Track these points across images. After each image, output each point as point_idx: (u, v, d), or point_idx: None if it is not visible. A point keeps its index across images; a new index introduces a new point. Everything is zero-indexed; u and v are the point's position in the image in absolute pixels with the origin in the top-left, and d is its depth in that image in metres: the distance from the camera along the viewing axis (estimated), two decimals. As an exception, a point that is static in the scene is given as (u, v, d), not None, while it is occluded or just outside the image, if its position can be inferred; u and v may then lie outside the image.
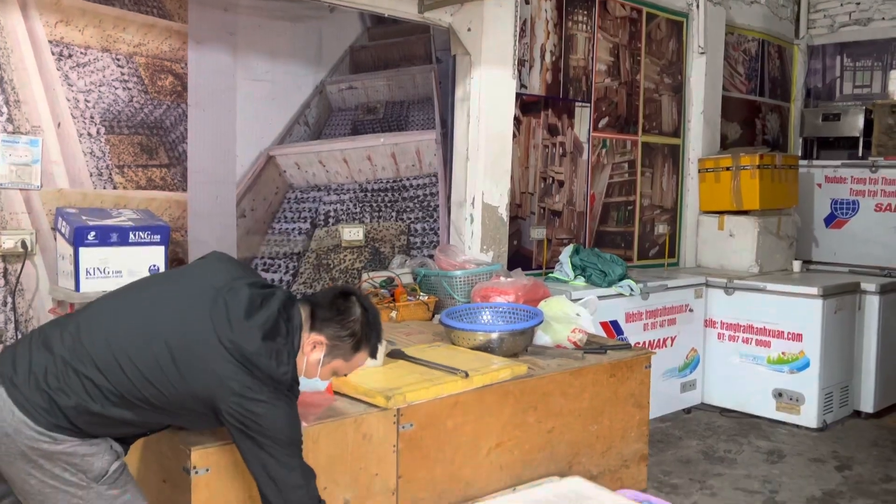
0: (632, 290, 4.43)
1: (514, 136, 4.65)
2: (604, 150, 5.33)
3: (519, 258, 4.85)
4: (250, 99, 3.50)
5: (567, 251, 4.57)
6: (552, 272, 4.66)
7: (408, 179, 4.11)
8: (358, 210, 3.92)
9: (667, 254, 5.80)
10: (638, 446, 3.23)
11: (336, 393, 2.42)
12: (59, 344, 1.81)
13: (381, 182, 4.00)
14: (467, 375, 2.54)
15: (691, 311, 4.93)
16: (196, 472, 1.97)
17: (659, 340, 4.72)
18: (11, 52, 2.86)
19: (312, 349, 1.99)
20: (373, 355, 2.12)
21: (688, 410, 4.98)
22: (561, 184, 5.09)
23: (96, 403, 1.76)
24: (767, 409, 4.78)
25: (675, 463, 4.09)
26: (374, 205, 3.98)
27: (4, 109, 2.85)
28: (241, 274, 2.00)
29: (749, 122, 6.45)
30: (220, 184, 3.44)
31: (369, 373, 2.54)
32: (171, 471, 2.06)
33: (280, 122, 3.62)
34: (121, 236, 2.89)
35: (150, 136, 3.23)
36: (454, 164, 4.24)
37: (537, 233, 4.95)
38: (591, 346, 3.19)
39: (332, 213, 3.82)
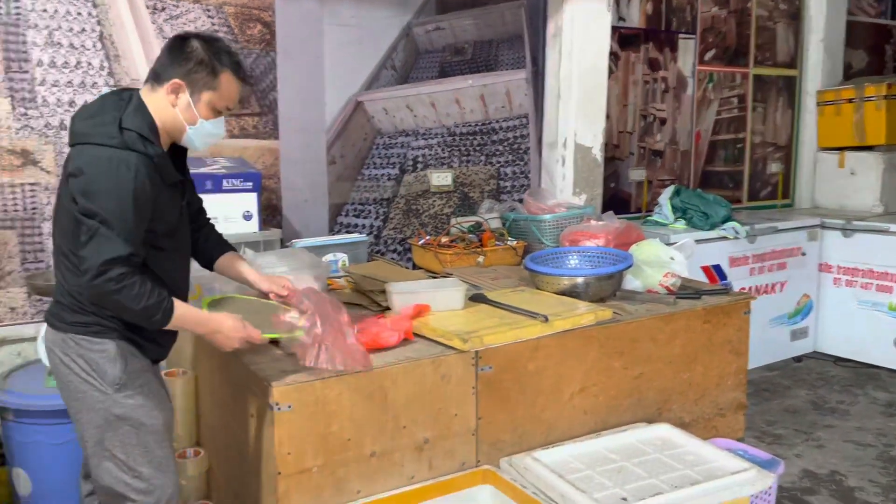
0: (736, 232, 4.21)
1: (612, 72, 4.46)
2: (710, 85, 5.02)
3: (616, 201, 4.70)
4: (337, 45, 3.51)
5: (667, 192, 4.38)
6: (652, 215, 4.49)
7: (497, 122, 4.03)
8: (446, 155, 3.89)
9: (780, 194, 5.46)
10: (734, 395, 3.09)
11: (415, 335, 2.45)
12: None
13: (470, 125, 3.95)
14: (547, 320, 2.49)
15: (804, 254, 4.63)
16: (279, 409, 2.05)
17: (767, 286, 4.48)
18: (109, 9, 2.98)
19: (176, 96, 1.93)
20: (239, 75, 1.99)
21: (798, 359, 4.73)
22: (663, 122, 4.86)
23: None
24: (887, 358, 4.46)
25: (781, 413, 3.91)
26: (463, 149, 3.94)
27: (105, 64, 2.99)
28: None
29: (877, 49, 5.88)
30: (310, 131, 3.50)
31: (449, 316, 2.55)
32: (259, 406, 2.16)
33: (367, 67, 3.62)
34: (215, 184, 3.00)
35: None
36: (546, 103, 4.12)
37: (636, 174, 4.77)
38: (685, 291, 3.06)
39: (420, 159, 3.81)
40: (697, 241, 4.15)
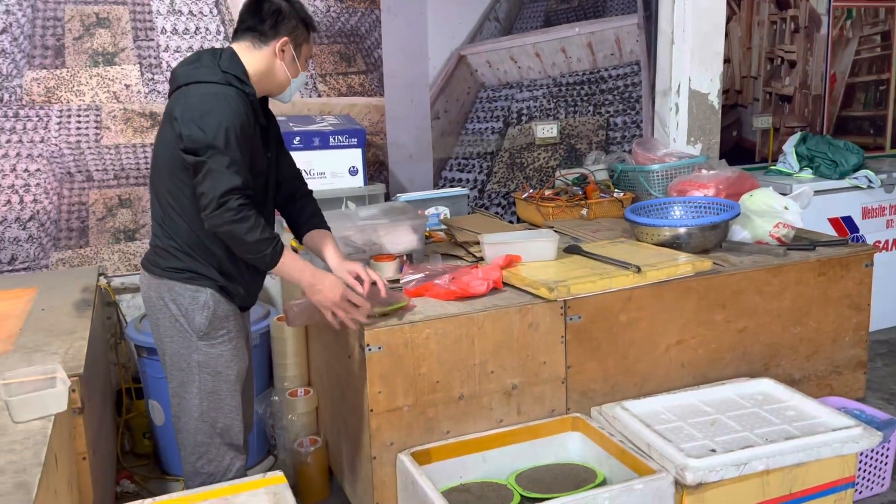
0: (870, 181, 3.90)
1: (734, 13, 4.21)
2: (848, 23, 4.62)
3: (739, 151, 4.47)
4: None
5: (792, 140, 4.12)
6: (776, 165, 4.24)
7: (606, 70, 3.93)
8: (552, 106, 3.84)
9: (930, 140, 4.97)
10: (854, 352, 2.91)
11: (505, 284, 2.49)
12: None
13: (577, 75, 3.87)
14: (639, 270, 2.45)
15: (952, 205, 4.21)
16: (370, 350, 2.17)
17: (906, 239, 4.13)
18: (223, -24, 3.16)
19: (282, 52, 2.08)
20: (313, 26, 2.17)
21: (942, 319, 4.35)
22: (792, 64, 4.54)
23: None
24: None
25: (916, 375, 3.64)
26: (570, 99, 3.88)
27: (221, 28, 3.18)
28: None
29: None
30: (414, 87, 3.57)
31: (539, 266, 2.56)
32: (353, 348, 2.29)
33: (470, 21, 3.62)
34: (322, 140, 3.15)
35: (347, 45, 3.42)
36: (658, 48, 3.95)
37: (761, 121, 4.51)
38: (799, 243, 2.90)
39: (524, 111, 3.79)
40: (826, 192, 3.91)
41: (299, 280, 2.10)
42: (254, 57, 2.07)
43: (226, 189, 1.89)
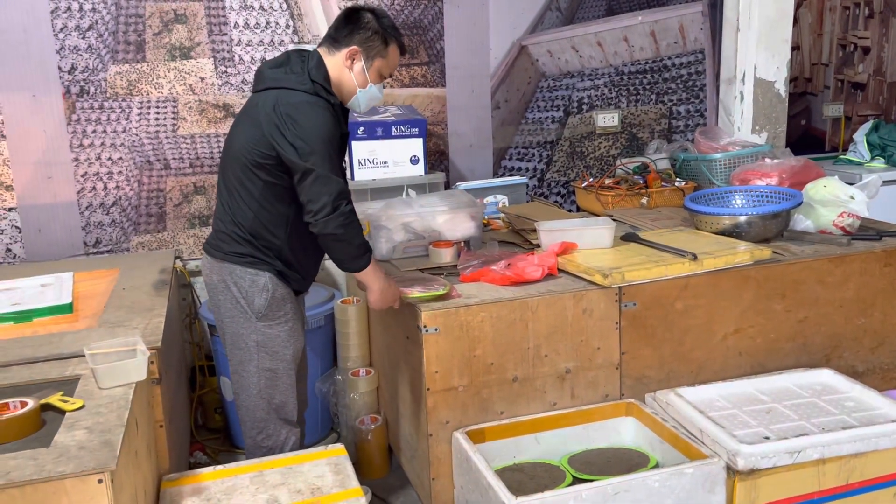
0: (947, 171, 3.75)
1: (802, -1, 4.11)
2: (928, 6, 4.44)
3: (807, 140, 4.37)
4: (502, -10, 3.58)
5: (863, 128, 4.00)
6: (846, 154, 4.13)
7: (669, 59, 3.90)
8: (613, 95, 3.84)
9: None
10: (922, 346, 2.84)
11: (561, 271, 2.53)
12: None
13: (639, 64, 3.85)
14: (696, 258, 2.46)
15: None
16: (426, 331, 2.25)
17: None
18: (292, -28, 3.28)
19: (352, 61, 2.16)
20: (402, 50, 2.24)
21: None
22: (866, 51, 4.40)
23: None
24: None
25: None
26: (632, 88, 3.87)
27: (290, 23, 3.31)
28: None
29: None
30: (476, 77, 3.63)
31: (595, 253, 2.60)
32: (411, 329, 2.38)
33: (532, 11, 3.65)
34: (385, 130, 3.24)
35: (411, 36, 3.50)
36: (723, 36, 3.90)
37: (832, 110, 4.40)
38: (864, 233, 2.84)
39: (585, 100, 3.80)
40: (899, 182, 3.79)
41: (371, 283, 2.23)
42: (329, 62, 2.18)
43: (338, 193, 2.03)
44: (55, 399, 1.65)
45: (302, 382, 2.40)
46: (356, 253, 2.12)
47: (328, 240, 2.09)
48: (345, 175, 2.22)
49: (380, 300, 2.25)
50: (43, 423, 1.59)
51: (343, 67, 2.17)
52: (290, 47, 3.31)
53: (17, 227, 3.12)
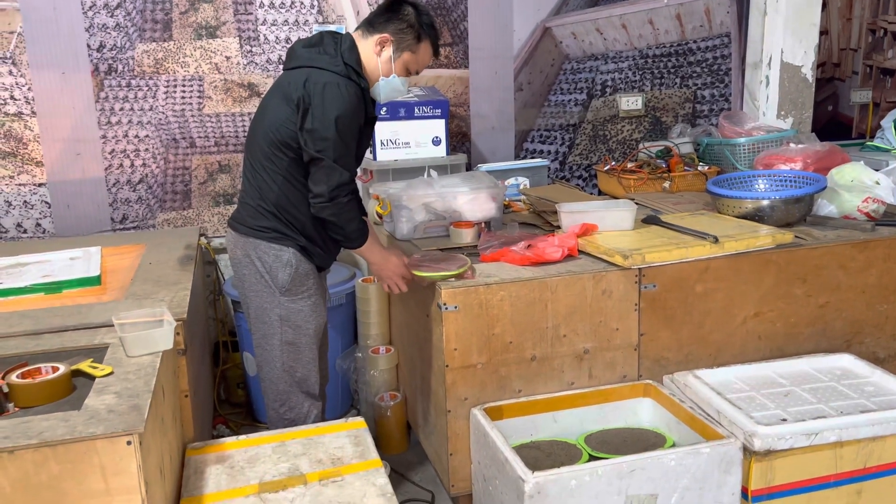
0: (976, 158, 3.70)
1: (832, -18, 4.05)
2: (962, -10, 4.35)
3: (834, 126, 4.33)
4: (527, -29, 3.57)
5: (891, 115, 3.95)
6: (872, 141, 4.08)
7: (695, 42, 3.87)
8: (637, 78, 3.82)
9: None
10: (946, 333, 2.82)
11: (581, 252, 2.54)
12: None
13: (664, 47, 3.83)
14: (717, 241, 2.45)
15: None
16: (446, 308, 2.28)
17: None
18: (317, -48, 3.30)
19: (381, 48, 2.19)
20: (436, 50, 2.28)
21: None
22: (896, 36, 4.33)
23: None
24: None
25: None
26: (656, 71, 3.84)
27: (315, 3, 3.33)
28: None
29: None
30: (499, 59, 3.63)
31: (616, 235, 2.60)
32: (431, 307, 2.41)
33: (556, -7, 3.64)
34: (407, 111, 3.26)
35: (434, 17, 3.50)
36: (750, 19, 3.86)
37: (860, 96, 4.34)
38: (889, 219, 2.82)
39: (609, 83, 3.79)
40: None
41: (368, 257, 2.33)
42: (361, 46, 2.22)
43: (336, 185, 2.09)
44: (85, 365, 1.70)
45: (323, 358, 2.43)
46: (350, 236, 2.22)
47: (322, 220, 2.18)
48: (359, 161, 2.27)
49: (380, 273, 2.35)
50: (74, 388, 1.63)
51: (372, 53, 2.21)
52: (315, 27, 3.33)
53: (46, 203, 3.18)
